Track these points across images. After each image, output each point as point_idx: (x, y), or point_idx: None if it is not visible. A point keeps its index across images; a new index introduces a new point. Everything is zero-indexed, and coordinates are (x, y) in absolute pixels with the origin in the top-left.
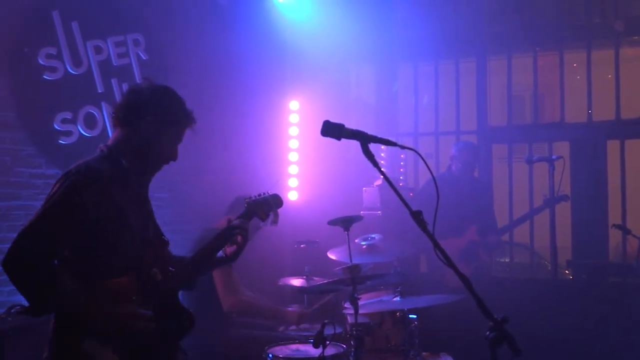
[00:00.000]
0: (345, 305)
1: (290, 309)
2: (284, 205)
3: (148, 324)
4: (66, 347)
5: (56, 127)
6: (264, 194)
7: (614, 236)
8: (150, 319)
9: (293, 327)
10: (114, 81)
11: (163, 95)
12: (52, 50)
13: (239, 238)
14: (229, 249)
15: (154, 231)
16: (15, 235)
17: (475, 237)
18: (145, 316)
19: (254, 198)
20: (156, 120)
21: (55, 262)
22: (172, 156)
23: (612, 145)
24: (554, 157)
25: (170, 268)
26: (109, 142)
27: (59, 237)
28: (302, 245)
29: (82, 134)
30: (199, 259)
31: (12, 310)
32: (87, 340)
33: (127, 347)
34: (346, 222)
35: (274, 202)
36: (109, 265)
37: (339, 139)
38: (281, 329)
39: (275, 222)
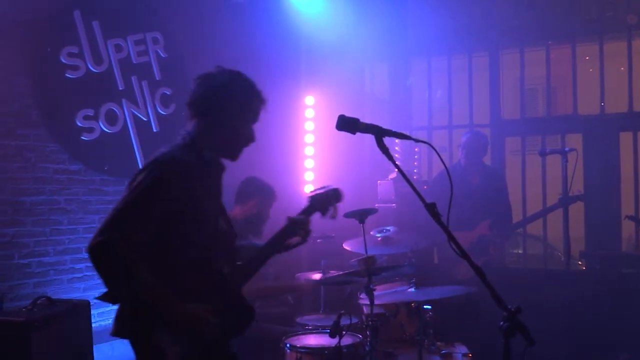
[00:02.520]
0: (361, 296)
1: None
2: (300, 198)
3: (213, 327)
4: (139, 335)
5: (78, 123)
6: (324, 188)
7: (627, 227)
8: (215, 324)
9: (307, 317)
10: (133, 79)
11: (237, 80)
12: (74, 49)
13: (302, 232)
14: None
15: (225, 223)
16: (38, 228)
17: (486, 232)
18: (211, 320)
19: (315, 193)
20: (235, 106)
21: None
22: (252, 137)
23: (625, 137)
24: (566, 149)
25: (238, 262)
26: (190, 130)
27: (141, 225)
28: (318, 240)
29: (103, 130)
30: (265, 252)
31: (38, 302)
32: (157, 330)
33: (191, 340)
34: (361, 215)
35: (333, 197)
36: (181, 256)
37: (353, 133)
38: (298, 319)
39: (334, 216)
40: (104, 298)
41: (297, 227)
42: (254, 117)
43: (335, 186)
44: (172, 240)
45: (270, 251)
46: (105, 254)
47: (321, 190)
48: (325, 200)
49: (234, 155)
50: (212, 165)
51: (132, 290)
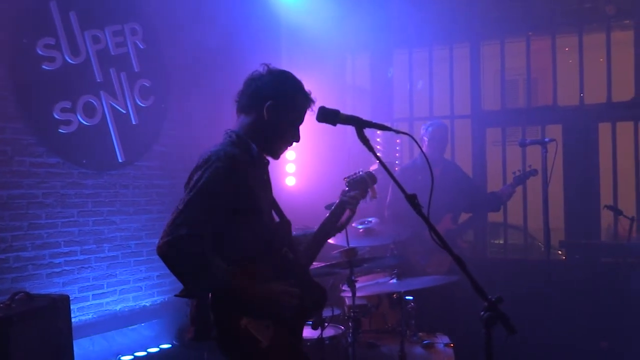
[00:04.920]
0: (343, 288)
1: None
2: (281, 191)
3: (295, 300)
4: (226, 326)
5: (56, 116)
6: (359, 172)
7: (606, 217)
8: (296, 296)
9: None
10: (112, 70)
11: (282, 80)
12: (51, 41)
13: (351, 206)
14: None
15: (279, 213)
16: (16, 223)
17: (450, 226)
18: (293, 292)
19: (352, 176)
20: (277, 105)
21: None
22: (295, 138)
23: (604, 128)
24: (546, 140)
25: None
26: (235, 128)
27: (205, 220)
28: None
29: (81, 122)
30: (321, 235)
31: (16, 297)
32: (244, 317)
33: (277, 322)
34: None
35: (369, 179)
36: (245, 247)
37: (334, 124)
38: None
39: (373, 197)
40: (183, 294)
41: (348, 205)
42: (299, 118)
43: (368, 170)
44: (234, 231)
45: (327, 231)
46: (175, 253)
47: (356, 175)
48: (363, 183)
49: (275, 154)
50: (259, 160)
51: (209, 281)
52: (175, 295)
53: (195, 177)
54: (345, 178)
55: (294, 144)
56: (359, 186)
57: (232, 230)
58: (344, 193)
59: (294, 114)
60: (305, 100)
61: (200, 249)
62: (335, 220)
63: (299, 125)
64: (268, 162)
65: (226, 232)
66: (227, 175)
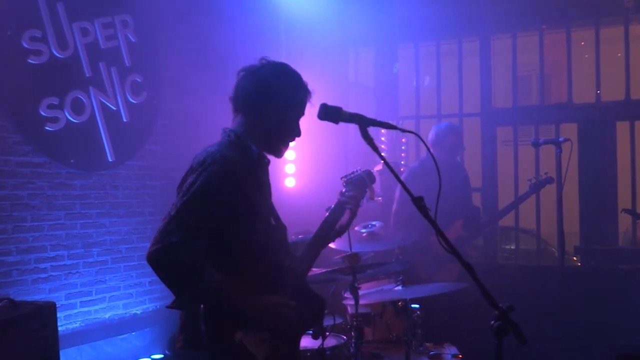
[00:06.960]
0: (346, 295)
1: None
2: (280, 192)
3: (292, 311)
4: (219, 338)
5: (42, 113)
6: (357, 171)
7: (624, 221)
8: (293, 307)
9: None
10: (101, 65)
11: (280, 73)
12: (37, 33)
13: (350, 207)
14: (339, 223)
15: (275, 218)
16: (0, 226)
17: (461, 233)
18: (289, 304)
19: (349, 176)
20: (281, 100)
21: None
22: (298, 132)
23: (622, 127)
24: (560, 139)
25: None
26: (234, 128)
27: (198, 227)
28: (300, 236)
29: (69, 120)
30: (319, 239)
31: (0, 305)
32: (238, 331)
33: (273, 335)
34: None
35: (368, 178)
36: (240, 254)
37: (336, 122)
38: None
39: (372, 197)
40: (174, 306)
41: (347, 205)
42: (301, 112)
43: (367, 169)
44: (228, 238)
45: (325, 234)
46: (166, 262)
47: (353, 174)
48: (361, 183)
49: (278, 152)
50: (260, 162)
51: (202, 292)
52: (167, 307)
53: (189, 181)
54: (342, 177)
55: (296, 139)
56: (357, 186)
57: (226, 238)
58: (341, 193)
59: (294, 108)
60: (305, 93)
61: (192, 257)
62: (334, 223)
63: (299, 119)
64: (269, 161)
65: (220, 240)
66: (223, 180)
